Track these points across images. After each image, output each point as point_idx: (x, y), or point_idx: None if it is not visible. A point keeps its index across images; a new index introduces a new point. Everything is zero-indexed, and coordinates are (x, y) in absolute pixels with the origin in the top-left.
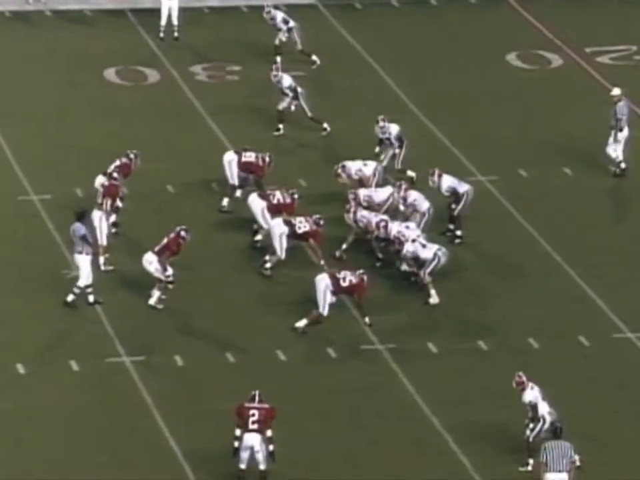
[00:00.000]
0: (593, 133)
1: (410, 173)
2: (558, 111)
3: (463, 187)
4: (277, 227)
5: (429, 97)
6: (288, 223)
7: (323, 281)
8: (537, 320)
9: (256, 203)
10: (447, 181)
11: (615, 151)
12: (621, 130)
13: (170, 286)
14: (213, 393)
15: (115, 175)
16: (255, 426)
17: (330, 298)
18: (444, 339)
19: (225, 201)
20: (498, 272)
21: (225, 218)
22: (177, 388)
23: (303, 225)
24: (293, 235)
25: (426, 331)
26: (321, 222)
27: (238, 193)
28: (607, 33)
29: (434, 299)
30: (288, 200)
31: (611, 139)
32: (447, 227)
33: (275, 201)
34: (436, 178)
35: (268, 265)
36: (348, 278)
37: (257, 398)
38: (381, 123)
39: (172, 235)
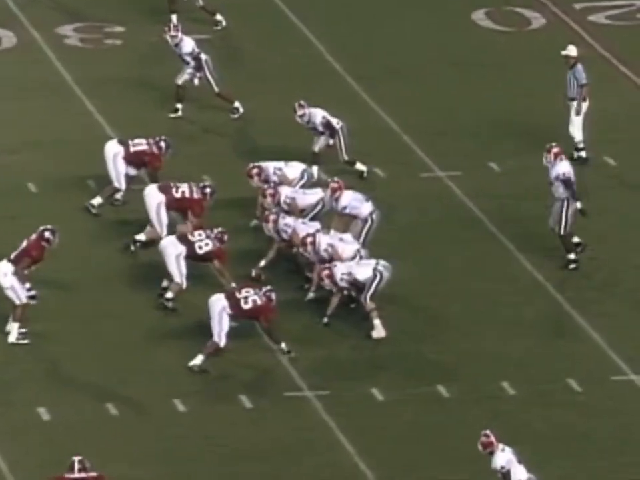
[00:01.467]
0: (585, 115)
1: (360, 167)
2: (540, 86)
3: None
4: (171, 247)
5: (372, 69)
6: (184, 241)
7: (218, 303)
8: (513, 358)
9: (152, 196)
10: (564, 166)
11: (577, 129)
12: (584, 100)
13: (32, 301)
14: (89, 455)
15: None
16: None
17: (227, 324)
18: (392, 383)
19: (97, 200)
20: (462, 296)
21: (105, 223)
22: (40, 449)
23: (204, 242)
24: (192, 256)
25: (369, 372)
26: (225, 237)
27: (119, 195)
28: None
29: (378, 331)
30: (197, 195)
31: (573, 115)
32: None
33: (179, 195)
34: (552, 156)
35: (169, 295)
36: (251, 298)
37: (76, 466)
38: (299, 111)
39: (33, 238)
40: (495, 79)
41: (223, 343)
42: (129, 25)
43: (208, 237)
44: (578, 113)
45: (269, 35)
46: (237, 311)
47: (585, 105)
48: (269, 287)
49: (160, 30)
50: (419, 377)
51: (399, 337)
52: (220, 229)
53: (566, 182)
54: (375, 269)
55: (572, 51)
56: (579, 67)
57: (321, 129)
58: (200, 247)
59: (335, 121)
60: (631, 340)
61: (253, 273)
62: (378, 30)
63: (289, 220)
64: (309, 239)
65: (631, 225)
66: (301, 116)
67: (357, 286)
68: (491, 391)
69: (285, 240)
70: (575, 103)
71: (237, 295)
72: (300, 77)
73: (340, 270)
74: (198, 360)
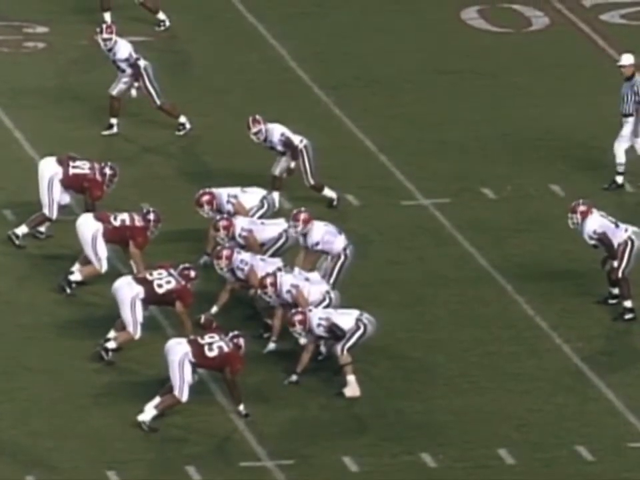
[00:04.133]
0: (595, 130)
1: (329, 193)
2: (542, 96)
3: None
4: (126, 289)
5: (344, 78)
6: (142, 281)
7: (179, 348)
8: (511, 421)
9: (87, 226)
10: (595, 222)
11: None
12: None
13: None
14: None
15: None
16: None
17: (190, 376)
18: (368, 450)
19: (22, 229)
20: (451, 345)
21: (29, 259)
22: None
23: (164, 280)
24: (150, 298)
25: (340, 437)
26: (192, 274)
27: (43, 228)
28: None
29: (352, 389)
30: (139, 223)
31: (628, 131)
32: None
33: (118, 223)
34: (579, 216)
35: (112, 345)
36: (216, 344)
37: None
38: (254, 127)
39: None
40: (490, 89)
41: (185, 397)
42: (53, 25)
43: (170, 274)
44: (637, 135)
45: (223, 37)
46: (200, 360)
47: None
48: (235, 332)
49: (91, 31)
50: (399, 442)
51: (376, 393)
52: (185, 265)
53: (602, 239)
54: (358, 320)
55: (628, 59)
56: (638, 79)
57: (280, 148)
58: (160, 285)
59: (297, 139)
60: None
61: (202, 319)
62: (351, 32)
63: (246, 256)
64: (269, 280)
65: None
66: (256, 133)
67: (336, 334)
68: (485, 459)
69: (240, 279)
70: (628, 121)
71: (200, 340)
72: (258, 86)
73: (317, 315)
74: (148, 414)
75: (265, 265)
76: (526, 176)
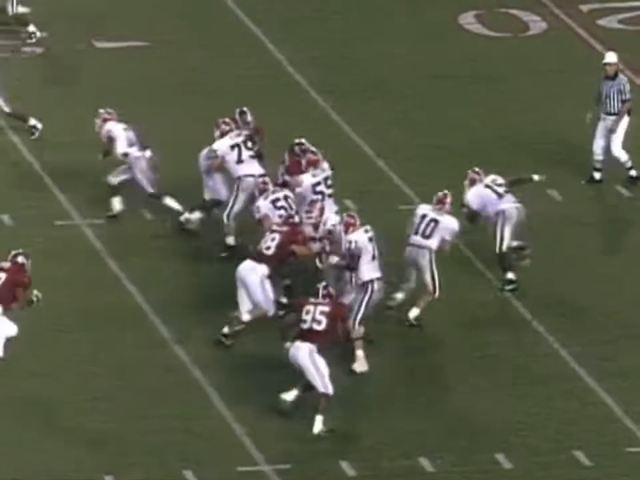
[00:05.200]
0: (592, 135)
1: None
2: (540, 101)
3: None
4: (252, 274)
5: (341, 83)
6: (259, 258)
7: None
8: (509, 425)
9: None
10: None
11: (619, 148)
12: (629, 114)
13: None
14: None
15: None
16: None
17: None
18: (365, 455)
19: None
20: (449, 347)
21: None
22: None
23: (269, 240)
24: (272, 267)
25: (338, 441)
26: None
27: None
28: None
29: (361, 363)
30: (11, 265)
31: (607, 128)
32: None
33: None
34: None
35: (232, 329)
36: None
37: None
38: (99, 121)
39: None
40: (487, 93)
41: (330, 390)
42: None
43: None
44: (612, 131)
45: (220, 42)
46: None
47: (626, 121)
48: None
49: None
50: (397, 447)
51: (373, 397)
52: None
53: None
54: (367, 282)
55: (612, 57)
56: (623, 78)
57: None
58: (268, 248)
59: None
60: None
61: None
62: (349, 37)
63: None
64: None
65: None
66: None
67: (353, 261)
68: (483, 464)
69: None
70: (610, 119)
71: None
72: (256, 91)
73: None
74: (318, 424)
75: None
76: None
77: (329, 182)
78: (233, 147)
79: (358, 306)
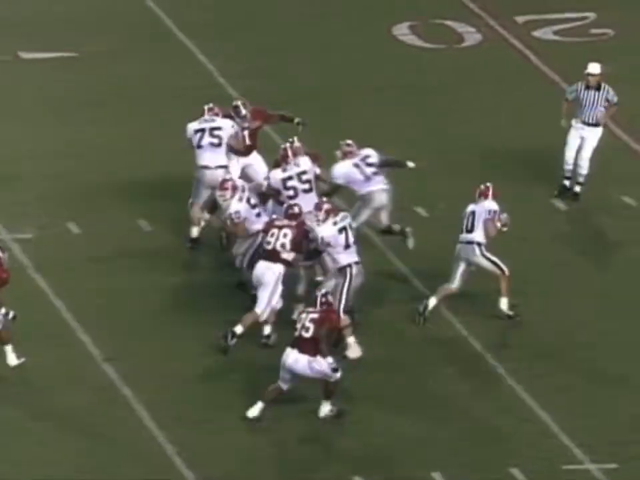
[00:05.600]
0: (531, 144)
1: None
2: (476, 112)
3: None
4: (269, 273)
5: (274, 95)
6: (273, 257)
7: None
8: (442, 443)
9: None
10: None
11: (587, 160)
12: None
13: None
14: None
15: None
16: None
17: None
18: (286, 476)
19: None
20: (382, 365)
21: None
22: None
23: (281, 236)
24: (287, 264)
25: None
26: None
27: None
28: None
29: (354, 350)
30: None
31: (595, 141)
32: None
33: None
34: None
35: (267, 331)
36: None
37: None
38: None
39: None
40: (423, 105)
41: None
42: None
43: (279, 228)
44: (585, 140)
45: (152, 54)
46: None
47: (601, 131)
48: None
49: None
50: (324, 466)
51: (295, 420)
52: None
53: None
54: (344, 267)
55: (596, 69)
56: (607, 86)
57: None
58: (283, 245)
59: None
60: (586, 419)
61: None
62: (281, 49)
63: None
64: None
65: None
66: None
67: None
68: None
69: None
70: (587, 129)
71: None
72: (187, 102)
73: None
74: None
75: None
76: (461, 192)
77: (304, 177)
78: (197, 132)
79: (339, 294)
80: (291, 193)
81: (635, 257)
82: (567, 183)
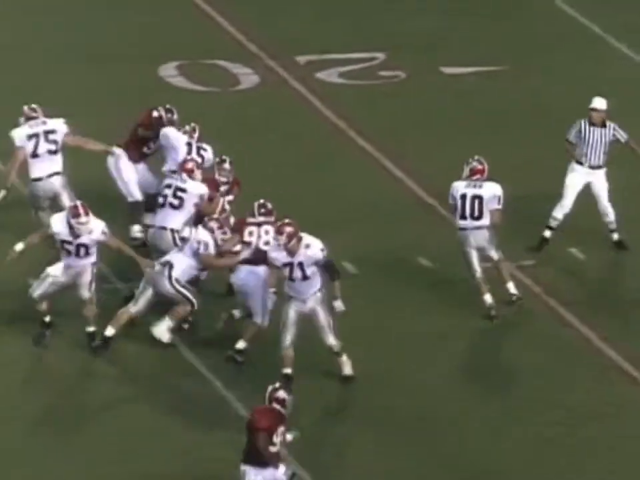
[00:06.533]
0: (319, 200)
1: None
2: (255, 164)
3: None
4: (252, 279)
5: None
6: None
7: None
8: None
9: None
10: None
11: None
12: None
13: None
14: None
15: None
16: None
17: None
18: None
19: None
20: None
21: None
22: None
23: (264, 237)
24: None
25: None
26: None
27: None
28: (336, 31)
29: (350, 367)
30: None
31: (606, 184)
32: None
33: None
34: None
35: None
36: None
37: None
38: None
39: None
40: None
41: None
42: None
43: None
44: (605, 188)
45: None
46: None
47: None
48: None
49: None
50: None
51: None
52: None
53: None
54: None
55: (602, 104)
56: (612, 124)
57: None
58: (267, 243)
59: None
60: None
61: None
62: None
63: None
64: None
65: None
66: None
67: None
68: None
69: None
70: (593, 172)
71: None
72: None
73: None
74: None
75: None
76: None
77: (179, 194)
78: (30, 137)
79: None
80: (161, 200)
81: None
82: (548, 234)
